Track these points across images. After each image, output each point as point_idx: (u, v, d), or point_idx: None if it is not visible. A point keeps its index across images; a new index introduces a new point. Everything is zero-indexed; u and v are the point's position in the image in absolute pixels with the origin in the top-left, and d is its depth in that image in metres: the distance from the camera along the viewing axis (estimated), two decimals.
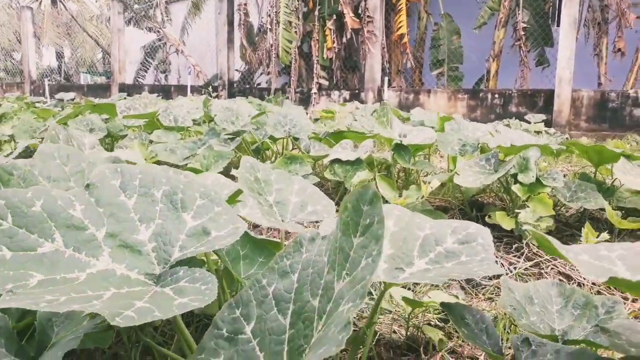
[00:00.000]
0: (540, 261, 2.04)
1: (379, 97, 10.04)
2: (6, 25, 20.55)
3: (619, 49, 9.31)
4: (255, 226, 2.34)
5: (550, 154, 2.95)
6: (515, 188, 2.33)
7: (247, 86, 12.80)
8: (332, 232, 0.80)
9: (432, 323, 1.47)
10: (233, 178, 1.59)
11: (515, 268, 1.98)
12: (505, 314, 1.47)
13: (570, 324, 1.12)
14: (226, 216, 0.96)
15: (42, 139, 3.15)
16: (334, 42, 10.93)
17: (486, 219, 2.36)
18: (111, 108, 4.44)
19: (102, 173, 0.95)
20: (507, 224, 2.25)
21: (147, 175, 0.98)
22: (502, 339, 1.36)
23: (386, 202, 2.36)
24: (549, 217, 2.26)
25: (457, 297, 1.66)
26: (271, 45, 11.45)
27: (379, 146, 4.99)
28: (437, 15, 11.23)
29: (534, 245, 2.17)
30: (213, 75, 13.86)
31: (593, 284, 1.85)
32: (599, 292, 1.79)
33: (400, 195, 2.53)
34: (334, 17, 10.94)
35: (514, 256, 2.10)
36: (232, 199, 1.26)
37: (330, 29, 10.91)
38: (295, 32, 11.37)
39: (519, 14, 9.76)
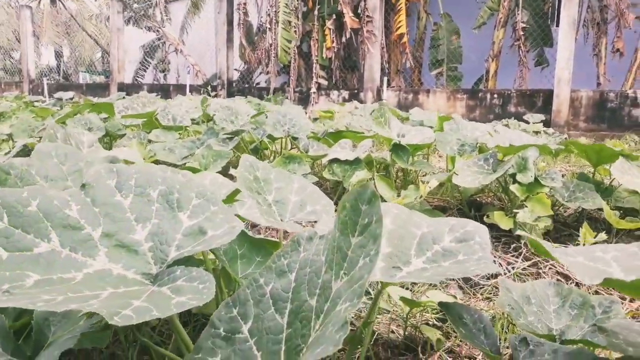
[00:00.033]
0: (538, 261, 2.04)
1: (378, 97, 10.04)
2: (5, 24, 20.53)
3: (618, 49, 9.32)
4: (254, 225, 2.34)
5: (548, 154, 2.95)
6: (513, 188, 2.33)
7: (246, 85, 12.79)
8: (330, 232, 0.80)
9: (430, 323, 1.47)
10: (232, 177, 1.59)
11: (513, 268, 1.98)
12: (503, 313, 1.47)
13: (567, 324, 1.12)
14: (222, 215, 0.95)
15: (41, 138, 3.14)
16: (333, 42, 10.93)
17: (484, 218, 2.36)
18: (110, 107, 4.44)
19: (97, 173, 0.95)
20: (505, 223, 2.25)
21: (142, 175, 0.98)
22: (500, 339, 1.36)
23: (384, 201, 2.36)
24: (547, 217, 2.26)
25: (455, 296, 1.66)
26: (270, 45, 11.44)
27: (377, 146, 4.99)
28: (437, 15, 11.23)
29: None
30: (212, 74, 13.85)
31: (590, 284, 1.85)
32: (596, 292, 1.79)
33: (398, 195, 2.53)
34: (334, 16, 10.94)
35: (512, 256, 2.10)
36: (230, 198, 1.26)
37: (330, 29, 10.90)
38: (295, 31, 11.37)
39: (518, 14, 9.77)
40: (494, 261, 2.01)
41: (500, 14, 10.12)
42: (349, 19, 10.45)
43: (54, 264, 0.82)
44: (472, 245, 0.97)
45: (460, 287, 1.80)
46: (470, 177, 2.39)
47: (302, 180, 1.39)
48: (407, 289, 1.68)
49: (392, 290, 1.41)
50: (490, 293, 1.74)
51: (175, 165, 3.00)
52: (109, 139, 4.11)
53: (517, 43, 9.80)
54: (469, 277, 1.87)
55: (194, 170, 2.23)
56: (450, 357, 1.29)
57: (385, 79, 10.20)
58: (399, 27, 10.56)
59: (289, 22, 11.33)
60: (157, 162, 3.03)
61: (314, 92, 10.89)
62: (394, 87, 10.78)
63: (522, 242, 2.20)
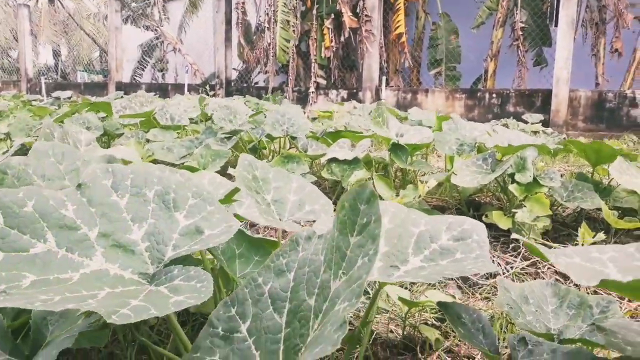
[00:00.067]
0: (537, 261, 2.04)
1: (377, 97, 10.05)
2: (3, 23, 20.47)
3: (616, 50, 9.33)
4: (253, 225, 2.34)
5: (547, 154, 2.95)
6: (512, 188, 2.33)
7: (245, 85, 12.78)
8: (328, 231, 0.80)
9: (429, 322, 1.47)
10: (230, 177, 1.59)
11: (512, 267, 1.98)
12: (502, 313, 1.47)
13: (565, 324, 1.12)
14: (219, 215, 0.95)
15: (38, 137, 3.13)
16: (331, 41, 10.92)
17: (483, 218, 2.36)
18: (108, 106, 4.43)
19: (93, 173, 0.95)
20: (504, 223, 2.25)
21: (138, 175, 0.98)
22: (498, 339, 1.36)
23: (382, 200, 2.36)
24: (546, 216, 2.26)
25: (453, 296, 1.66)
26: (269, 44, 11.43)
27: (376, 145, 4.99)
28: (435, 14, 11.23)
29: None
30: (210, 73, 13.84)
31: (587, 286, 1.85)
32: (595, 292, 1.79)
33: (397, 195, 2.53)
34: (332, 16, 10.93)
35: (511, 256, 2.10)
36: (229, 197, 1.26)
37: (328, 28, 10.89)
38: (293, 31, 11.36)
39: (517, 13, 9.78)
40: (492, 260, 2.01)
41: (498, 13, 10.13)
42: (348, 19, 10.45)
43: (51, 264, 0.82)
44: (469, 244, 0.97)
45: (459, 287, 1.80)
46: (468, 177, 2.39)
47: (300, 180, 1.39)
48: (405, 288, 1.67)
49: (390, 290, 1.41)
50: (489, 293, 1.74)
51: (173, 165, 3.00)
52: (107, 138, 4.10)
53: (515, 43, 9.81)
54: (468, 276, 1.87)
55: (192, 170, 2.23)
56: (449, 357, 1.29)
57: (384, 78, 10.20)
58: (398, 27, 10.56)
59: (288, 21, 11.32)
60: (155, 161, 3.03)
61: (312, 92, 10.88)
62: (392, 86, 10.79)
63: (521, 242, 2.20)
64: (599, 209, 2.42)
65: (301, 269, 0.82)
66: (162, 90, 13.03)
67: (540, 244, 2.15)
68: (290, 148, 3.94)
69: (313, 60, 11.09)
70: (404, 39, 10.55)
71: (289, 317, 0.79)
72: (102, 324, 0.98)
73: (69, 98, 9.34)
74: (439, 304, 1.06)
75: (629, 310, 1.61)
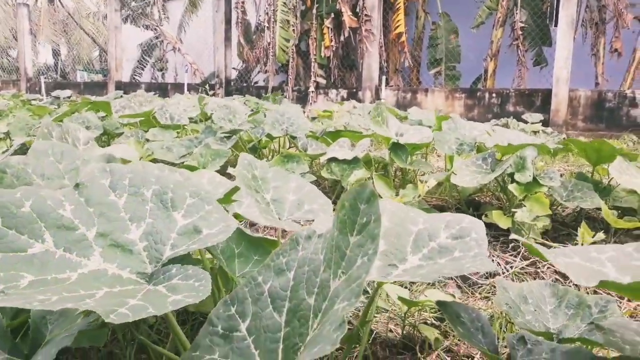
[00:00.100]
0: (537, 260, 2.04)
1: (377, 96, 10.05)
2: (2, 22, 20.45)
3: (616, 49, 9.34)
4: (252, 224, 2.34)
5: (547, 153, 2.95)
6: (512, 187, 2.33)
7: (245, 84, 12.78)
8: (328, 230, 0.80)
9: (429, 322, 1.47)
10: (230, 176, 1.59)
11: (511, 267, 1.98)
12: (501, 313, 1.47)
13: (564, 324, 1.12)
14: (217, 214, 0.95)
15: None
16: (331, 41, 10.92)
17: (483, 218, 2.36)
18: (107, 106, 4.43)
19: (91, 172, 0.95)
20: (503, 223, 2.25)
21: (136, 175, 0.98)
22: (498, 338, 1.36)
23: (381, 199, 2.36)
24: (546, 216, 2.26)
25: (453, 295, 1.66)
26: (268, 44, 11.43)
27: (376, 145, 4.99)
28: (435, 14, 11.23)
29: None
30: (210, 73, 13.83)
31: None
32: (595, 292, 1.79)
33: (397, 195, 2.53)
34: (332, 15, 10.93)
35: (511, 255, 2.10)
36: (228, 196, 1.26)
37: (328, 28, 10.89)
38: (293, 30, 11.36)
39: (516, 13, 9.78)
40: (492, 260, 2.01)
41: (498, 13, 10.13)
42: (348, 18, 10.44)
43: (48, 264, 0.82)
44: (468, 242, 0.97)
45: (459, 286, 1.80)
46: (468, 177, 2.39)
47: (299, 180, 1.39)
48: (405, 288, 1.67)
49: (390, 289, 1.41)
50: (489, 292, 1.74)
51: (173, 164, 3.00)
52: (107, 138, 4.10)
53: (515, 42, 9.82)
54: (467, 276, 1.87)
55: (192, 169, 2.23)
56: (448, 356, 1.29)
57: (384, 78, 10.20)
58: (398, 26, 10.56)
59: (287, 21, 11.32)
60: (154, 160, 3.03)
61: (312, 91, 10.88)
62: (392, 86, 10.79)
63: (520, 241, 2.20)
64: (599, 209, 2.42)
65: (301, 268, 0.82)
66: (162, 89, 13.02)
67: (540, 243, 2.15)
68: (290, 147, 3.94)
69: (313, 60, 11.09)
70: (403, 38, 10.55)
71: (289, 316, 0.79)
72: (101, 323, 0.98)
73: (69, 97, 9.33)
74: (438, 303, 1.06)
75: (628, 310, 1.61)
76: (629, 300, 1.68)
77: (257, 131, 3.68)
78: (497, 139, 2.71)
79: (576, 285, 1.87)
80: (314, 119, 6.34)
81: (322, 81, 11.19)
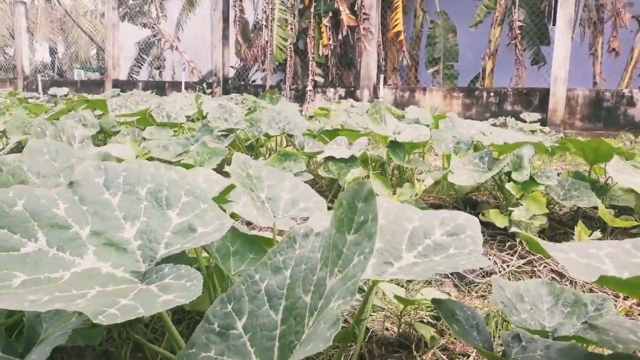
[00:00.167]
0: (533, 259, 2.05)
1: (375, 95, 10.05)
2: None
3: (614, 49, 9.36)
4: (249, 223, 2.34)
5: (544, 152, 2.95)
6: (509, 186, 2.33)
7: (242, 83, 12.76)
8: (326, 229, 0.80)
9: (425, 320, 1.47)
10: (227, 175, 1.58)
11: (508, 266, 1.98)
12: (497, 311, 1.47)
13: (560, 322, 1.12)
14: (212, 213, 0.95)
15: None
16: (329, 39, 10.91)
17: (480, 217, 2.36)
18: (104, 104, 4.42)
19: (86, 171, 0.94)
20: (500, 221, 2.25)
21: (131, 173, 0.97)
22: (494, 337, 1.36)
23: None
24: (543, 215, 2.26)
25: (449, 294, 1.66)
26: (266, 42, 11.41)
27: (373, 144, 4.99)
28: (433, 13, 11.23)
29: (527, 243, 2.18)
30: (208, 71, 13.81)
31: (585, 281, 1.86)
32: (591, 290, 1.79)
33: (394, 193, 2.53)
34: (330, 14, 10.92)
35: (507, 254, 2.10)
36: (224, 194, 1.25)
37: (326, 26, 10.88)
38: (291, 29, 11.34)
39: (515, 12, 9.78)
40: (489, 258, 2.01)
41: (496, 12, 10.13)
42: (346, 17, 10.44)
43: (41, 263, 0.81)
44: (463, 239, 0.97)
45: (455, 285, 1.80)
46: (465, 176, 2.39)
47: (293, 179, 1.39)
48: (401, 286, 1.68)
49: (386, 288, 1.41)
50: (485, 291, 1.74)
51: (169, 163, 2.99)
52: (104, 136, 4.09)
53: (513, 41, 9.82)
54: (464, 275, 1.87)
55: (188, 167, 2.23)
56: (444, 355, 1.29)
57: (382, 76, 10.20)
58: (396, 25, 10.56)
59: (285, 19, 11.30)
60: (151, 159, 3.02)
61: (310, 90, 10.87)
62: (390, 85, 10.79)
63: (517, 240, 2.21)
64: (596, 208, 2.42)
65: (298, 266, 0.82)
66: (159, 88, 13.00)
67: None
68: (287, 146, 3.93)
69: (311, 59, 11.08)
70: (402, 37, 10.55)
71: (285, 315, 0.79)
72: None
73: (66, 95, 9.31)
74: (433, 301, 1.06)
75: (624, 308, 1.62)
76: (624, 299, 1.69)
77: (255, 130, 3.68)
78: (493, 139, 2.71)
79: (571, 283, 1.87)
80: (311, 117, 6.34)
81: (320, 80, 11.18)
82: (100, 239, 0.89)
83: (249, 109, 5.72)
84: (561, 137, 5.15)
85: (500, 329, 1.41)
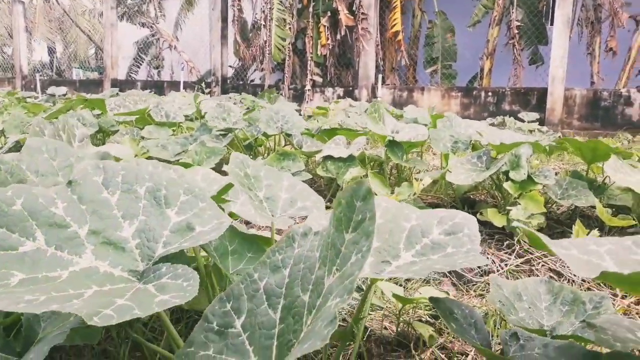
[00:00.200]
0: (531, 258, 2.05)
1: (373, 95, 10.05)
2: None
3: (611, 48, 9.37)
4: (247, 223, 2.34)
5: (542, 152, 2.96)
6: (506, 185, 2.34)
7: (241, 82, 12.75)
8: (325, 228, 0.80)
9: (423, 319, 1.48)
10: (225, 174, 1.58)
11: (506, 265, 1.98)
12: (495, 310, 1.48)
13: (559, 320, 1.12)
14: (210, 211, 0.95)
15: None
16: (328, 39, 10.91)
17: (478, 216, 2.37)
18: (102, 103, 4.41)
19: (84, 170, 0.94)
20: (498, 221, 2.26)
21: (130, 172, 0.97)
22: (492, 336, 1.36)
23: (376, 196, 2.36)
24: (540, 214, 2.27)
25: (447, 293, 1.67)
26: (265, 42, 11.41)
27: (372, 143, 5.00)
28: (432, 12, 11.23)
29: (525, 242, 2.18)
30: (206, 71, 13.80)
31: (583, 280, 1.87)
32: (589, 289, 1.80)
33: (392, 192, 2.53)
34: (328, 13, 10.92)
35: (505, 253, 2.10)
36: (222, 193, 1.25)
37: (325, 26, 10.88)
38: (289, 29, 11.34)
39: (513, 12, 9.79)
40: (487, 257, 2.02)
41: (494, 12, 10.14)
42: (344, 16, 10.44)
43: (39, 262, 0.81)
44: (460, 238, 0.97)
45: (454, 284, 1.80)
46: (463, 175, 2.39)
47: (291, 179, 1.39)
48: (400, 285, 1.68)
49: (384, 287, 1.41)
50: (483, 290, 1.75)
51: (168, 162, 2.99)
52: (102, 135, 4.09)
53: (511, 41, 9.84)
54: (462, 274, 1.87)
55: (187, 166, 2.22)
56: (442, 353, 1.29)
57: (380, 76, 10.20)
58: (394, 25, 10.56)
59: (284, 19, 11.30)
60: (150, 158, 3.02)
61: (308, 90, 10.87)
62: (388, 84, 10.79)
63: (516, 239, 2.21)
64: (593, 207, 2.43)
65: (296, 265, 0.82)
66: (158, 87, 12.98)
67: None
68: (285, 145, 3.94)
69: (309, 58, 11.08)
70: (400, 37, 10.56)
71: (283, 313, 0.79)
72: None
73: (64, 95, 9.29)
74: (431, 299, 1.07)
75: (621, 307, 1.62)
76: (622, 298, 1.69)
77: (253, 129, 3.67)
78: (490, 139, 2.71)
79: (569, 282, 1.87)
80: (309, 117, 6.34)
81: (319, 79, 11.18)
82: (99, 237, 0.89)
83: (248, 108, 5.72)
84: (559, 137, 5.16)
85: (498, 328, 1.41)
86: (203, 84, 12.13)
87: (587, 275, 0.66)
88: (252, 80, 13.50)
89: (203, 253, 1.28)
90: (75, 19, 19.37)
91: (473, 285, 1.79)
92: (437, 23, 11.02)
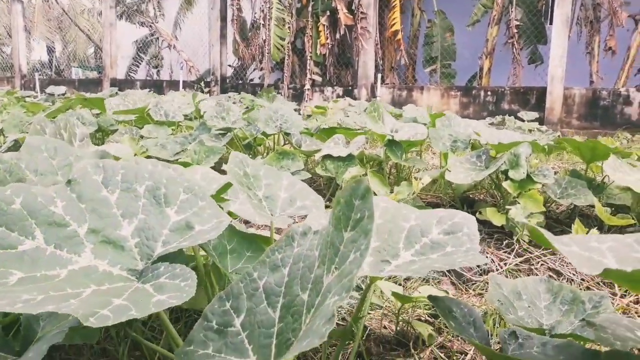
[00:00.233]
0: (531, 257, 2.05)
1: (373, 94, 10.05)
2: None
3: (610, 48, 9.38)
4: (246, 222, 2.34)
5: (541, 151, 2.96)
6: (506, 184, 2.34)
7: (240, 82, 12.75)
8: (324, 227, 0.80)
9: (422, 318, 1.48)
10: (224, 173, 1.58)
11: (505, 264, 1.98)
12: (495, 309, 1.48)
13: (558, 319, 1.12)
14: (210, 210, 0.95)
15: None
16: (327, 38, 10.91)
17: (477, 215, 2.37)
18: (101, 102, 4.41)
19: (84, 168, 0.94)
20: (497, 220, 2.26)
21: (129, 171, 0.97)
22: (491, 334, 1.36)
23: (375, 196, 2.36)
24: (540, 213, 2.27)
25: (447, 292, 1.67)
26: (264, 41, 11.41)
27: (371, 142, 5.00)
28: (431, 12, 11.23)
29: (524, 241, 2.18)
30: (205, 70, 13.79)
31: (582, 279, 1.87)
32: (588, 288, 1.80)
33: (391, 192, 2.53)
34: (328, 13, 10.91)
35: (505, 252, 2.10)
36: (221, 192, 1.25)
37: (324, 25, 10.88)
38: (289, 28, 11.34)
39: (512, 11, 9.80)
40: (486, 256, 2.02)
41: (494, 11, 10.15)
42: (343, 16, 10.43)
43: (39, 261, 0.81)
44: (460, 237, 0.97)
45: (453, 284, 1.80)
46: (462, 174, 2.39)
47: (291, 178, 1.39)
48: (399, 284, 1.68)
49: (384, 286, 1.41)
50: (483, 289, 1.75)
51: (167, 161, 2.99)
52: (102, 135, 4.08)
53: (510, 40, 9.84)
54: (462, 273, 1.87)
55: (186, 165, 2.22)
56: (441, 352, 1.29)
57: (379, 75, 10.21)
58: (393, 24, 10.56)
59: (283, 18, 11.30)
60: (149, 157, 3.02)
61: (308, 89, 10.87)
62: (388, 84, 10.79)
63: (515, 238, 2.21)
64: (592, 206, 2.43)
65: (296, 264, 0.82)
66: (157, 87, 12.97)
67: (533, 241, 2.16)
68: (284, 144, 3.93)
69: (308, 58, 11.07)
70: (399, 36, 10.56)
71: (282, 312, 0.79)
72: None
73: (63, 94, 9.28)
74: (431, 298, 1.07)
75: (620, 306, 1.62)
76: (621, 297, 1.69)
77: (252, 128, 3.67)
78: (489, 138, 2.72)
79: (569, 281, 1.88)
80: (309, 116, 6.34)
81: (318, 79, 11.18)
82: (98, 236, 0.89)
83: (247, 107, 5.71)
84: (558, 136, 5.16)
85: (497, 327, 1.41)
86: (202, 84, 12.12)
87: (589, 272, 0.66)
88: (252, 80, 13.49)
89: (202, 252, 1.28)
90: (74, 18, 19.35)
91: (472, 284, 1.80)
92: (437, 22, 11.03)
